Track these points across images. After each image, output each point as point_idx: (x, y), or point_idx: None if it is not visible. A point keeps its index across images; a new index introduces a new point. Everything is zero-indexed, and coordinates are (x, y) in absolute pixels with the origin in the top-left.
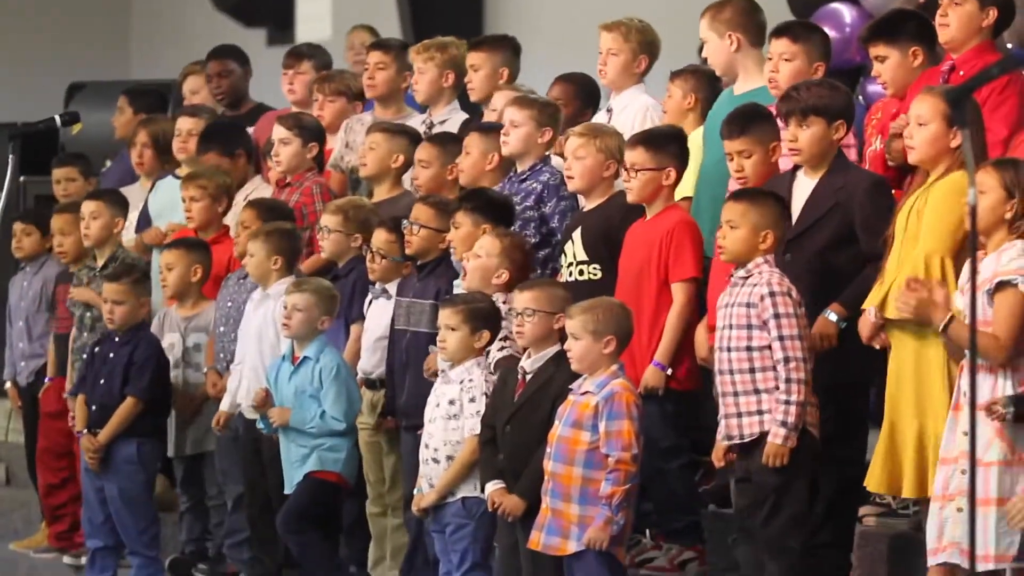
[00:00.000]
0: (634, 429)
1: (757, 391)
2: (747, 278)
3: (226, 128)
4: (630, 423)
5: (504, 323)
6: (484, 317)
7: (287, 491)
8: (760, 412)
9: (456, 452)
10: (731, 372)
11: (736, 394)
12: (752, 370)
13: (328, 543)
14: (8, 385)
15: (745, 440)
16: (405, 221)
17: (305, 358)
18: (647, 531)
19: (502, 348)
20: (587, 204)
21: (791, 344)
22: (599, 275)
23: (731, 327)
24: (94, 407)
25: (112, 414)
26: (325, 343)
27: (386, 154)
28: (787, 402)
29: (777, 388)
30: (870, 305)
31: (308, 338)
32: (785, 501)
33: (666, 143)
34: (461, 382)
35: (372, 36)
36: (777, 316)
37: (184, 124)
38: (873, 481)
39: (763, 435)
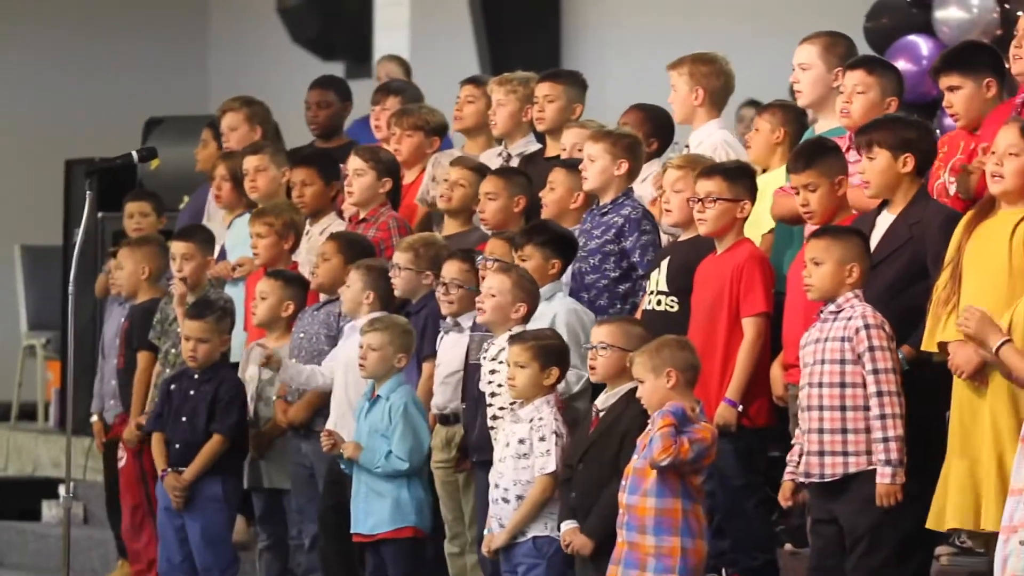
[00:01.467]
0: (692, 450)
1: (845, 431)
2: (838, 313)
3: (327, 157)
4: (689, 443)
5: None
6: (554, 354)
7: (353, 531)
8: (845, 453)
9: (526, 492)
10: (820, 408)
11: (822, 431)
12: (843, 407)
13: None
14: (95, 419)
15: (825, 480)
16: (480, 256)
17: (379, 396)
18: (723, 570)
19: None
20: (683, 236)
21: (885, 378)
22: (675, 307)
23: (823, 362)
24: (177, 445)
25: (195, 452)
26: (401, 382)
27: (473, 193)
28: (885, 439)
29: (866, 430)
30: (952, 338)
31: (386, 376)
32: (878, 543)
33: (741, 176)
34: (531, 420)
35: (399, 66)
36: (872, 349)
37: (250, 162)
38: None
39: (846, 477)
